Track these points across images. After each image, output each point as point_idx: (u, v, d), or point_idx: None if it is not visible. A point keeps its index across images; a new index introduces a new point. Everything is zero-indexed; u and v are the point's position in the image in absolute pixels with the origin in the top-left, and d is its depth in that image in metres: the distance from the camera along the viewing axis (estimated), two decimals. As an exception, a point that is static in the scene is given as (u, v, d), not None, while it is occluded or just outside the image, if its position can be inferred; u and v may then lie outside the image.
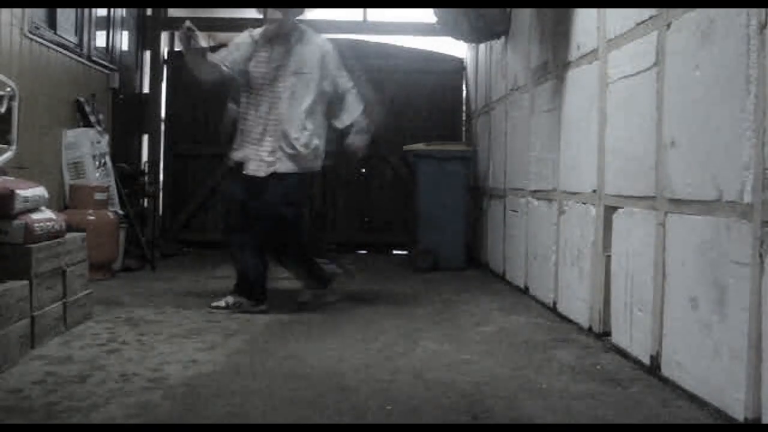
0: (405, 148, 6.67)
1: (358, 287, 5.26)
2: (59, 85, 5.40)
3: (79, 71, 5.79)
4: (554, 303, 4.31)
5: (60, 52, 5.35)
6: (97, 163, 5.58)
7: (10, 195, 3.19)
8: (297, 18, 4.41)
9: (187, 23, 4.07)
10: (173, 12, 7.77)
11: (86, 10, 5.87)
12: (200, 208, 7.71)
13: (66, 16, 5.53)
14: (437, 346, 3.47)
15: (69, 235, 3.66)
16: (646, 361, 3.02)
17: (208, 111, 7.76)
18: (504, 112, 5.78)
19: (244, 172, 4.23)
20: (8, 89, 3.77)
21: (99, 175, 5.57)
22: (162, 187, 7.55)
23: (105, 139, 5.83)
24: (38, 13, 5.03)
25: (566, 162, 4.17)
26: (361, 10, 7.66)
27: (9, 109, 3.77)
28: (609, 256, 3.51)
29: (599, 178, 3.63)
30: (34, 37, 4.90)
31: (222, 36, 10.37)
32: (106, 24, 6.46)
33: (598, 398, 2.68)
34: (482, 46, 6.63)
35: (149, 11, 7.46)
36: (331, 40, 4.56)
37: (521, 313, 4.35)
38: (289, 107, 4.22)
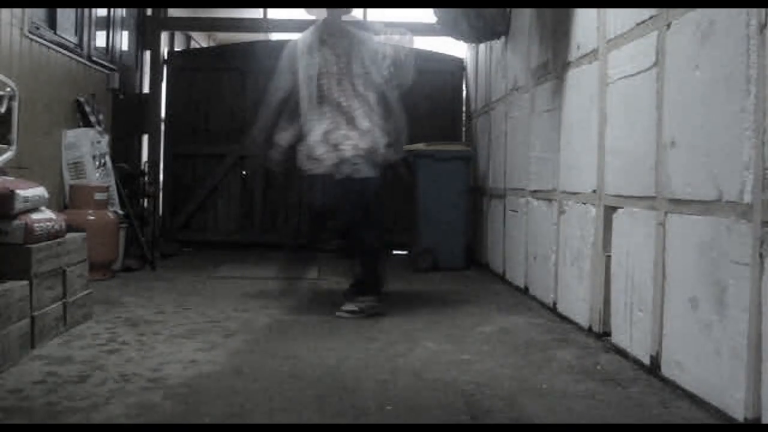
0: (405, 147, 6.65)
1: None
2: (59, 85, 5.40)
3: (79, 71, 5.79)
4: (554, 303, 4.31)
5: (60, 52, 5.35)
6: (97, 163, 5.59)
7: (10, 195, 3.20)
8: (343, 17, 4.39)
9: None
10: (173, 12, 7.78)
11: (86, 10, 5.87)
12: (200, 208, 7.72)
13: (66, 16, 5.53)
14: (437, 346, 3.47)
15: (69, 235, 3.66)
16: (646, 361, 3.02)
17: (208, 111, 7.79)
18: (504, 112, 5.78)
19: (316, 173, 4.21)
20: (8, 89, 3.78)
21: (99, 175, 5.57)
22: (162, 187, 7.55)
23: (105, 139, 5.83)
24: (38, 13, 5.03)
25: (566, 162, 4.17)
26: (360, 10, 7.66)
27: (9, 109, 3.77)
28: (609, 256, 3.51)
29: (599, 178, 3.63)
30: (34, 37, 4.90)
31: (222, 36, 10.43)
32: (106, 24, 6.46)
33: (598, 398, 2.68)
34: (482, 46, 6.64)
35: (149, 11, 7.46)
36: None
37: (521, 313, 4.35)
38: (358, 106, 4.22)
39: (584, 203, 3.84)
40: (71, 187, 5.37)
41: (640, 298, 3.12)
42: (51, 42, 5.18)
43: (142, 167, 6.69)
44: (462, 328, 3.90)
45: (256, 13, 8.05)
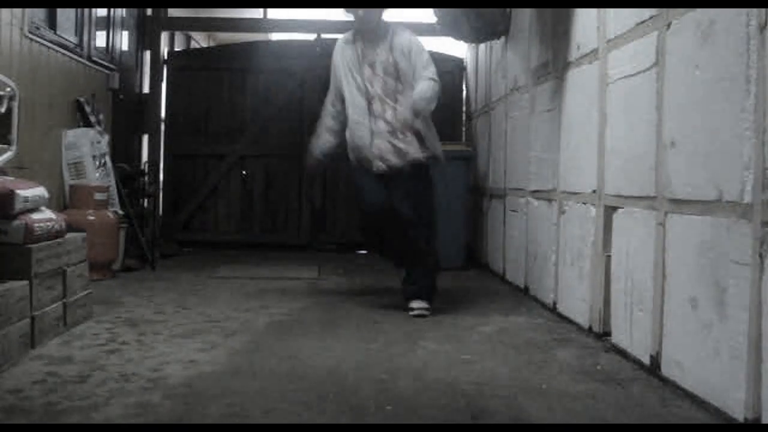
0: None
1: (358, 287, 5.27)
2: (59, 85, 5.40)
3: (79, 71, 5.79)
4: (554, 303, 4.31)
5: (60, 52, 5.35)
6: (97, 163, 5.58)
7: (10, 195, 3.19)
8: (380, 17, 4.38)
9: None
10: (173, 12, 7.78)
11: (86, 10, 5.87)
12: (200, 208, 7.71)
13: (66, 16, 5.53)
14: (437, 346, 3.47)
15: (69, 235, 3.66)
16: (646, 361, 3.02)
17: (208, 111, 7.79)
18: (504, 112, 5.78)
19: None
20: (8, 89, 3.78)
21: (99, 175, 5.57)
22: (162, 187, 7.55)
23: (105, 139, 5.83)
24: (38, 13, 5.03)
25: (566, 162, 4.17)
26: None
27: (9, 109, 3.77)
28: (609, 256, 3.51)
29: (599, 178, 3.63)
30: (34, 37, 4.89)
31: (222, 36, 10.43)
32: (106, 24, 6.46)
33: (598, 398, 2.68)
34: (482, 46, 6.63)
35: (149, 11, 7.46)
36: (331, 40, 4.56)
37: (521, 313, 4.35)
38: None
39: (584, 203, 3.84)
40: (71, 187, 5.37)
41: (640, 298, 3.12)
42: (51, 42, 5.17)
43: (142, 167, 6.69)
44: (462, 328, 3.90)
45: (256, 13, 8.05)
